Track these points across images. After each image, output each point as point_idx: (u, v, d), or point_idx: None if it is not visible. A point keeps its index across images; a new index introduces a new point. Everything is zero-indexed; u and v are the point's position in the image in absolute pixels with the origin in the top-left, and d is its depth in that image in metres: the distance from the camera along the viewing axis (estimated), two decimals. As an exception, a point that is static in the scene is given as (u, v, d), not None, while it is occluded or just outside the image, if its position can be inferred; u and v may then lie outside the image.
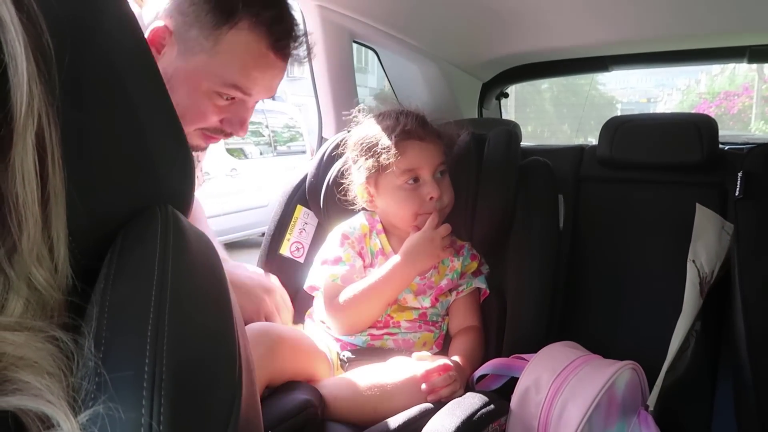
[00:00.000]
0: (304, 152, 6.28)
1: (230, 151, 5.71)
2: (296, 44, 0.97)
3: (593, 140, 1.86)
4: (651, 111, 18.90)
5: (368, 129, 1.19)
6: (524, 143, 1.52)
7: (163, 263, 0.40)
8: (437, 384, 0.99)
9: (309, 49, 1.00)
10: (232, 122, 0.98)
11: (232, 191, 5.44)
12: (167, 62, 0.89)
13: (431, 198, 1.15)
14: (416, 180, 1.15)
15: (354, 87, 1.68)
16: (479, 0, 1.49)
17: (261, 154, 6.17)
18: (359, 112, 1.23)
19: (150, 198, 0.46)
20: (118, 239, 0.43)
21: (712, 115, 1.78)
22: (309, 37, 0.99)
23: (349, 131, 1.28)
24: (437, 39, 1.71)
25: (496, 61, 1.95)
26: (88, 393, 0.34)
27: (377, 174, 1.17)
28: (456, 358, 1.10)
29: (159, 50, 0.89)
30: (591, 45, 1.81)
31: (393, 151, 1.12)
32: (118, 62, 0.44)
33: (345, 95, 1.63)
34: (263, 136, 6.26)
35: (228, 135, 1.00)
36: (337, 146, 1.33)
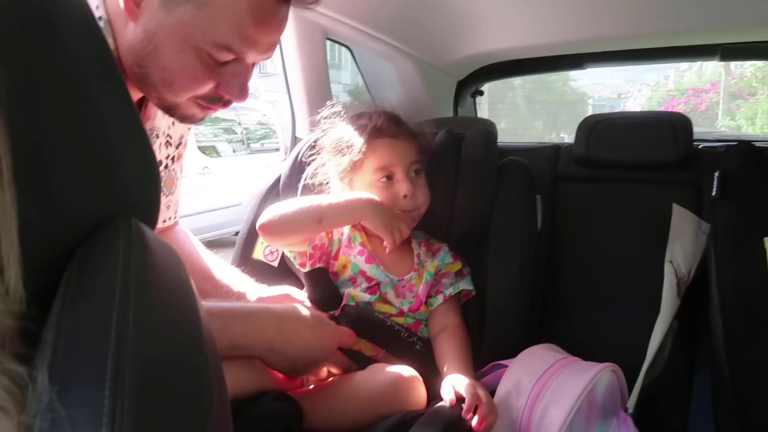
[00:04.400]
0: (277, 150, 6.22)
1: (202, 149, 5.63)
2: None
3: (566, 136, 1.86)
4: (621, 106, 19.08)
5: (342, 130, 1.19)
6: (499, 141, 1.50)
7: (125, 282, 0.37)
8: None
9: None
10: (230, 86, 0.85)
11: (204, 189, 5.36)
12: (148, 16, 0.77)
13: (405, 196, 1.14)
14: (390, 178, 1.15)
15: (328, 85, 1.65)
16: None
17: (234, 152, 6.09)
18: (334, 115, 1.21)
19: (112, 209, 0.43)
20: (77, 255, 0.40)
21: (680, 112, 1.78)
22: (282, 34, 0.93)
23: (324, 131, 1.25)
24: (411, 37, 1.68)
25: (471, 59, 1.93)
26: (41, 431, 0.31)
27: (351, 173, 1.17)
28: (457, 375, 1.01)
29: (137, 2, 0.77)
30: (565, 43, 1.80)
31: (365, 148, 1.12)
32: (78, 65, 0.41)
33: (319, 94, 1.60)
34: (236, 133, 6.18)
35: (227, 104, 0.87)
36: (312, 147, 1.30)
